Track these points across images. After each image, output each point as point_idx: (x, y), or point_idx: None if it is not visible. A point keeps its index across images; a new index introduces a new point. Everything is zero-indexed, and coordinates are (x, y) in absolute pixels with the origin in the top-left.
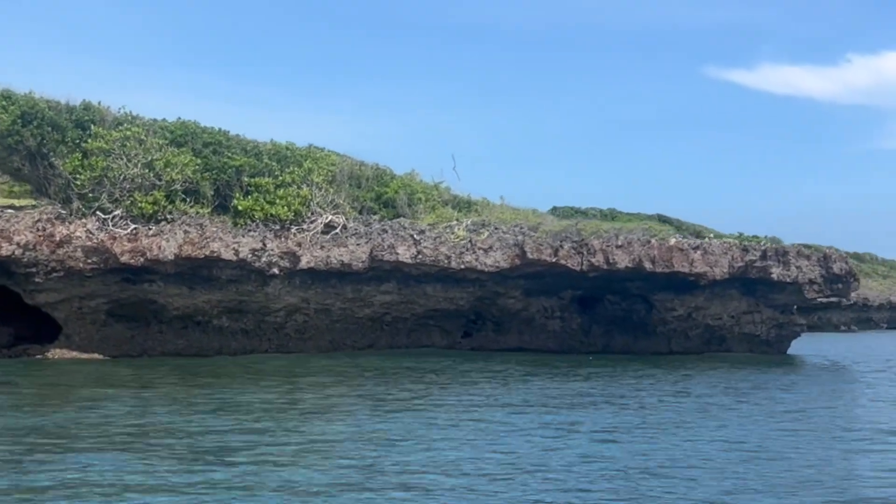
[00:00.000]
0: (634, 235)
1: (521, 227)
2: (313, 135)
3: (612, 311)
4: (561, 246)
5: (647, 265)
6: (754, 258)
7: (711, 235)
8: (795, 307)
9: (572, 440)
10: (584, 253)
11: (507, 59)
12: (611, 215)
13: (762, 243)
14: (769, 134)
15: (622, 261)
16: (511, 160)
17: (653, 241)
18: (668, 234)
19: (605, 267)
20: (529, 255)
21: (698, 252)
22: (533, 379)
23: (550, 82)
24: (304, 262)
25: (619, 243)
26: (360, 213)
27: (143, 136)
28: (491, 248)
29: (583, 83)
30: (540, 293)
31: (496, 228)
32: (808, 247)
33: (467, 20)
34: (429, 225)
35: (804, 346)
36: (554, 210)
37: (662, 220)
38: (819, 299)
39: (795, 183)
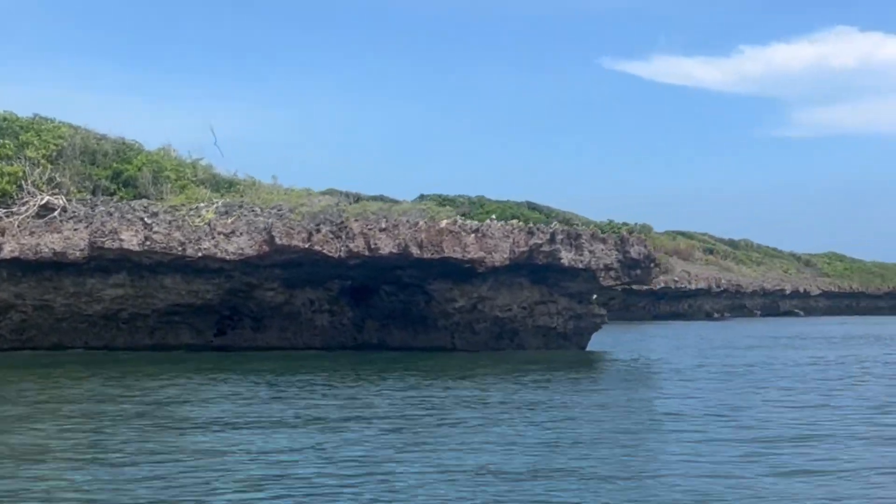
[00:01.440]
0: (405, 217)
1: (280, 209)
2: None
3: (389, 304)
4: (317, 230)
5: (415, 250)
6: (540, 242)
7: (579, 223)
8: (595, 296)
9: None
10: (343, 237)
11: (395, 47)
12: (479, 203)
13: (553, 226)
14: (664, 124)
15: (386, 246)
16: (396, 149)
17: (421, 223)
18: (448, 215)
19: (367, 253)
20: (278, 241)
21: (473, 236)
22: (258, 386)
23: (441, 72)
24: (8, 251)
25: (383, 226)
26: (93, 193)
27: None
28: (234, 232)
29: (477, 72)
30: (305, 284)
31: (250, 210)
32: (618, 227)
33: (351, 5)
34: (170, 207)
35: (640, 336)
36: (421, 198)
37: (531, 206)
38: (617, 286)
39: (688, 171)
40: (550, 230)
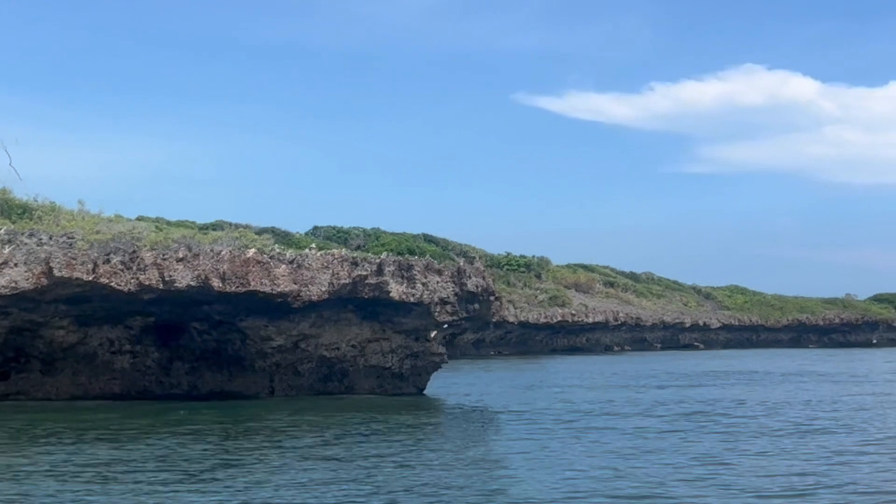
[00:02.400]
0: (210, 247)
1: (71, 237)
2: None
3: (201, 343)
4: (106, 260)
5: (216, 283)
6: (365, 273)
7: (476, 256)
8: (434, 333)
9: None
10: (134, 268)
11: (309, 81)
12: (375, 235)
13: (381, 257)
14: (575, 159)
15: (183, 278)
16: (297, 181)
17: (224, 252)
18: (263, 244)
19: (161, 286)
20: (57, 273)
21: (286, 267)
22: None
23: (356, 105)
24: None
25: (181, 256)
26: None
27: None
28: (6, 263)
29: (391, 107)
30: (101, 321)
31: (35, 238)
32: (516, 259)
33: (265, 40)
34: None
35: (508, 374)
36: (315, 230)
37: (428, 239)
38: (454, 322)
39: (596, 205)
40: (378, 261)
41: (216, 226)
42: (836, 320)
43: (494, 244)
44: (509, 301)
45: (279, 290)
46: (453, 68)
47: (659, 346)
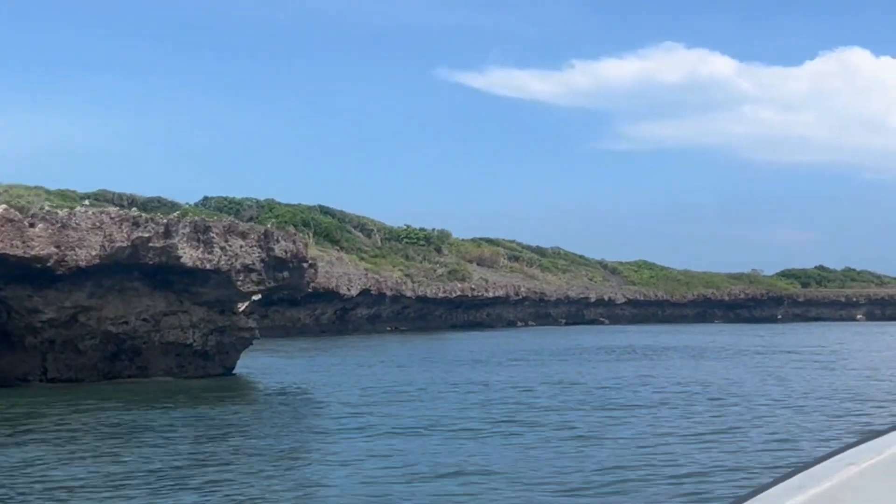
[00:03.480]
0: None
1: None
2: None
3: None
4: None
5: None
6: (148, 235)
7: (373, 228)
8: (243, 305)
9: None
10: None
11: (225, 55)
12: (268, 206)
13: (172, 217)
14: (495, 135)
15: None
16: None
17: None
18: (29, 202)
19: None
20: None
21: (44, 226)
22: None
23: (274, 80)
24: None
25: None
26: None
27: None
28: None
29: (310, 82)
30: None
31: None
32: (415, 231)
33: (183, 13)
34: None
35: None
36: (205, 200)
37: (324, 210)
38: (262, 292)
39: (512, 182)
40: (164, 221)
41: (98, 195)
42: (742, 295)
43: (404, 219)
44: (407, 275)
45: (34, 253)
46: (375, 43)
47: (564, 321)
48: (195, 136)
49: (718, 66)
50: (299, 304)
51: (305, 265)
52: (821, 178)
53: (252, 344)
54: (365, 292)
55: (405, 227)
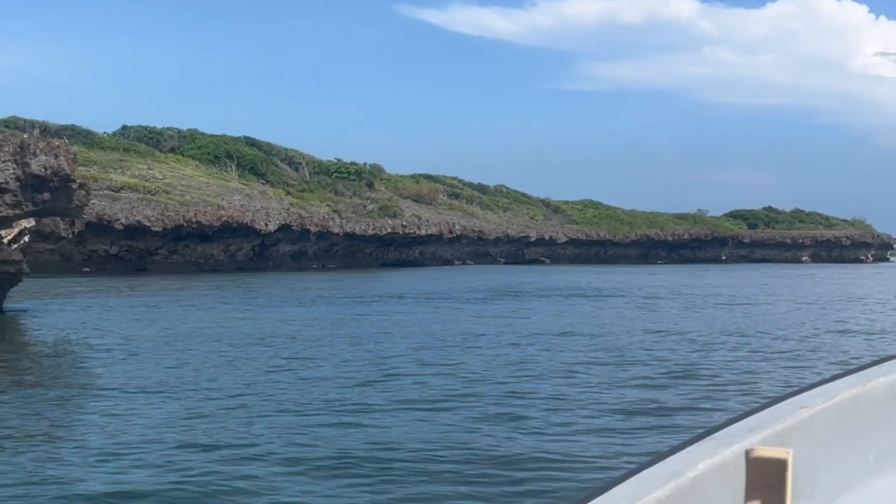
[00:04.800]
0: None
1: None
2: None
3: None
4: None
5: None
6: None
7: (302, 161)
8: (8, 234)
9: None
10: None
11: None
12: (191, 136)
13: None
14: (455, 73)
15: None
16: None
17: None
18: None
19: None
20: None
21: None
22: None
23: (226, 12)
24: None
25: None
26: None
27: None
28: None
29: (259, 16)
30: None
31: None
32: (346, 166)
33: None
34: None
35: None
36: (124, 129)
37: (250, 142)
38: (17, 216)
39: (469, 120)
40: None
41: (8, 122)
42: (686, 236)
43: (340, 154)
44: (335, 211)
45: None
46: None
47: (503, 260)
48: (121, 65)
49: (680, 6)
50: (211, 239)
51: (74, 186)
52: (778, 121)
53: (21, 280)
54: (285, 227)
55: (335, 160)
